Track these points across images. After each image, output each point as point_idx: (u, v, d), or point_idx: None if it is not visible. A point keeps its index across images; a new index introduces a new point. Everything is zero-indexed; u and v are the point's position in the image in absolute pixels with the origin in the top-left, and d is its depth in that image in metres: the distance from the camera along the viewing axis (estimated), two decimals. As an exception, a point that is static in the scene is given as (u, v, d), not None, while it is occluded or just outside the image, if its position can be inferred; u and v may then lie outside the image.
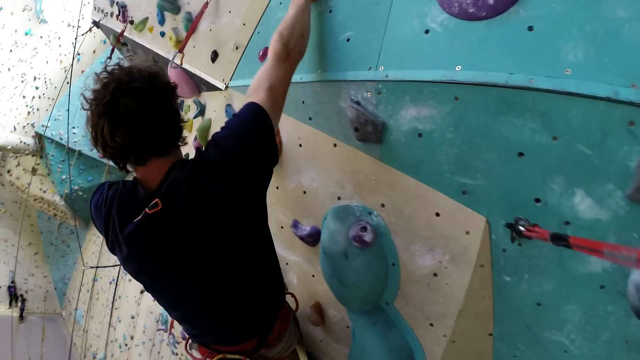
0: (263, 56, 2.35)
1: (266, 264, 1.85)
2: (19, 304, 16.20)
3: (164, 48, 3.74)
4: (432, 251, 1.63)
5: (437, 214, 1.56)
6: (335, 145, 1.90)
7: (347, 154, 1.83)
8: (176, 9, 3.41)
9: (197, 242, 1.53)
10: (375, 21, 1.57)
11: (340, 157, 1.91)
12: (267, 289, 1.90)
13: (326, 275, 2.12)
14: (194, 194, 1.47)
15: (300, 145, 2.16)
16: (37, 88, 11.55)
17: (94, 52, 10.58)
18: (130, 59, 2.05)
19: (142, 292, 8.33)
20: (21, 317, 15.74)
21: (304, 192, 2.25)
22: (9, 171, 14.71)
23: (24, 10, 11.79)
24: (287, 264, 2.64)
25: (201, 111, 3.31)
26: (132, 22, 4.27)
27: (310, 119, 1.99)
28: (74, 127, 11.57)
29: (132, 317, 8.91)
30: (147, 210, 1.47)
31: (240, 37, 2.66)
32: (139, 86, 1.42)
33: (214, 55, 2.92)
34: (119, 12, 4.54)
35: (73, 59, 7.75)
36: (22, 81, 11.59)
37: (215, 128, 2.91)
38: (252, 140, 1.53)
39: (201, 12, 2.97)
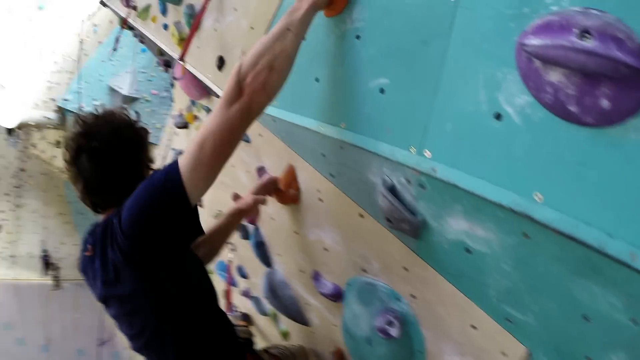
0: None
1: (192, 320, 1.62)
2: (53, 271, 16.60)
3: (167, 44, 3.28)
4: (463, 356, 1.35)
5: (474, 327, 1.24)
6: (361, 216, 1.47)
7: (375, 230, 1.40)
8: (177, 0, 2.96)
9: (113, 290, 1.56)
10: (422, 73, 1.08)
11: (367, 230, 1.48)
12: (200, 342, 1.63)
13: (348, 345, 1.86)
14: (103, 249, 1.51)
15: (321, 200, 1.74)
16: (55, 62, 11.37)
17: (110, 22, 10.25)
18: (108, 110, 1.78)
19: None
20: (56, 284, 16.14)
21: (325, 249, 1.86)
22: (33, 145, 14.91)
23: None
24: (307, 304, 2.37)
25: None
26: (135, 9, 3.82)
27: (332, 175, 1.56)
28: (94, 100, 11.47)
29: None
30: (85, 252, 1.63)
31: (247, 44, 2.20)
32: (97, 146, 1.57)
33: (220, 62, 2.47)
34: (121, -1, 4.10)
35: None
36: (39, 57, 11.40)
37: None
38: (145, 216, 1.39)
39: (203, 8, 2.50)
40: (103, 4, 5.19)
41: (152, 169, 1.77)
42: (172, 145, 5.29)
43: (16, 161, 16.13)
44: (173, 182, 1.32)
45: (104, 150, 1.57)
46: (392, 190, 1.15)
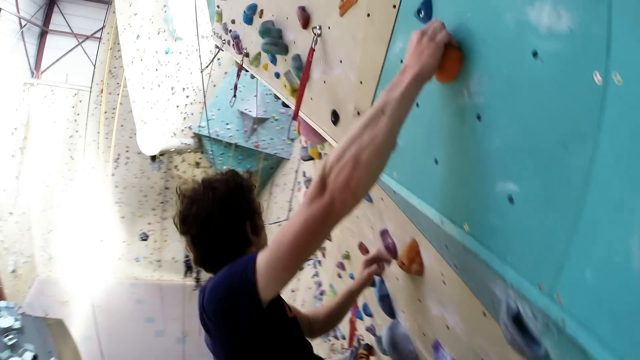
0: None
1: None
2: (194, 274, 18.48)
3: (281, 92, 3.29)
4: None
5: None
6: (484, 314, 1.25)
7: (497, 334, 1.17)
8: (283, 50, 2.91)
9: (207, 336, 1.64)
10: (560, 189, 0.80)
11: (489, 329, 1.27)
12: None
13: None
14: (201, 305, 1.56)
15: (444, 283, 1.54)
16: (187, 97, 12.47)
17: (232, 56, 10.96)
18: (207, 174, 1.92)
19: (301, 269, 8.63)
20: (197, 285, 17.86)
21: (447, 327, 1.69)
22: (176, 166, 16.70)
23: (159, 33, 12.87)
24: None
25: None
26: (247, 55, 3.90)
27: (456, 267, 1.36)
28: (227, 124, 12.37)
29: (292, 291, 9.34)
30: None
31: (360, 100, 2.07)
32: (199, 214, 1.70)
33: (335, 117, 2.37)
34: (233, 42, 4.22)
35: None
36: (173, 93, 12.58)
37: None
38: (220, 309, 1.47)
39: (308, 62, 2.42)
40: (219, 48, 5.45)
41: (259, 222, 1.85)
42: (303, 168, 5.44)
43: (161, 181, 18.39)
44: (247, 281, 1.34)
45: (206, 218, 1.68)
46: (516, 318, 0.92)
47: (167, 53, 12.57)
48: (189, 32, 11.75)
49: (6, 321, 14.52)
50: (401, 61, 1.67)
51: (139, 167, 17.96)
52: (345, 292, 2.20)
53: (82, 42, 18.29)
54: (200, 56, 7.51)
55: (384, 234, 2.17)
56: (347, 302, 2.21)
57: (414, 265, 1.78)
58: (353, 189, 1.07)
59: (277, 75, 3.26)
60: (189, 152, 14.03)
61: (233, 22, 4.29)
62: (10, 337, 14.14)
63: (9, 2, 14.17)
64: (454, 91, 1.20)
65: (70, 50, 18.35)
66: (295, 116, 2.54)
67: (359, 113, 2.09)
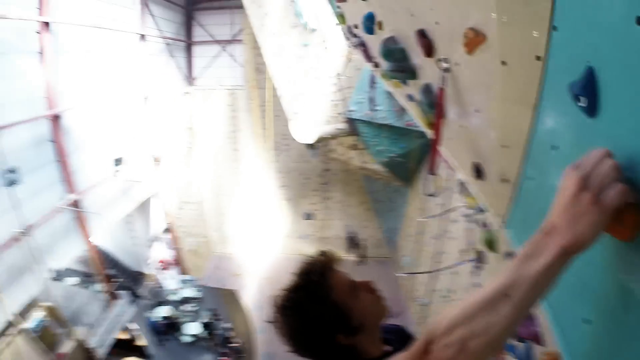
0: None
1: None
2: (360, 250, 19.41)
3: (416, 117, 2.88)
4: None
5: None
6: None
7: None
8: (410, 75, 2.52)
9: None
10: None
11: None
12: None
13: None
14: None
15: None
16: (334, 84, 12.48)
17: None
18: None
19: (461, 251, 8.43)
20: (361, 260, 18.77)
21: None
22: (333, 150, 17.14)
23: (293, 28, 13.04)
24: None
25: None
26: (377, 66, 3.55)
27: None
28: (376, 105, 12.14)
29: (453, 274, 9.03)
30: None
31: (505, 167, 1.63)
32: (291, 320, 1.50)
33: (477, 173, 1.95)
34: (360, 48, 3.88)
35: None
36: (318, 83, 12.72)
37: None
38: None
39: (439, 106, 2.02)
40: (350, 47, 5.14)
41: (353, 323, 1.50)
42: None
43: (320, 164, 19.13)
44: None
45: (293, 328, 1.51)
46: None
47: (305, 46, 12.69)
48: (321, 22, 11.70)
49: (188, 292, 17.23)
50: (553, 148, 1.22)
51: (298, 153, 19.08)
52: None
53: (224, 47, 19.70)
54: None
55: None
56: None
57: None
58: None
59: (411, 97, 2.87)
60: (344, 136, 14.15)
61: (356, 27, 3.92)
62: (192, 305, 16.73)
63: (150, 27, 15.88)
64: (626, 255, 0.86)
65: (216, 56, 19.89)
66: (432, 170, 2.16)
67: (503, 180, 1.65)
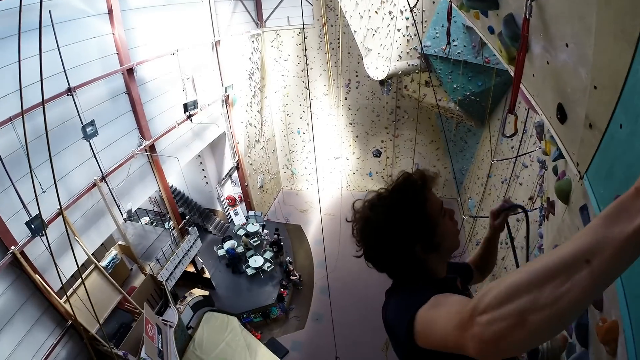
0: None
1: None
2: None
3: (496, 51, 2.64)
4: None
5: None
6: None
7: None
8: (492, 4, 2.29)
9: None
10: None
11: None
12: None
13: None
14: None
15: None
16: (407, 18, 11.77)
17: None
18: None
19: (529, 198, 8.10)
20: None
21: None
22: (405, 87, 16.56)
23: None
24: None
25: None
26: (457, -4, 3.26)
27: None
28: (453, 40, 11.45)
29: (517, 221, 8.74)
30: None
31: (593, 110, 1.46)
32: (373, 219, 1.54)
33: (561, 114, 1.77)
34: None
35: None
36: (392, 18, 12.04)
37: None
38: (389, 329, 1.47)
39: (524, 38, 1.81)
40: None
41: (434, 238, 1.55)
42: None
43: (392, 101, 18.65)
44: (405, 333, 1.24)
45: (378, 226, 1.52)
46: None
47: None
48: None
49: (254, 227, 17.97)
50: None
51: (370, 89, 18.63)
52: (484, 241, 2.31)
53: None
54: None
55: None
56: (489, 249, 2.32)
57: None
58: (502, 349, 0.78)
59: (491, 30, 2.63)
60: (417, 72, 13.56)
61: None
62: (255, 239, 17.45)
63: None
64: None
65: None
66: (512, 109, 2.00)
67: (591, 125, 1.47)
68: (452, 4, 3.40)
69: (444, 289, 1.28)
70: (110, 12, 10.13)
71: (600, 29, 1.28)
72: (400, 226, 1.49)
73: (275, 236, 17.95)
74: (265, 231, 18.56)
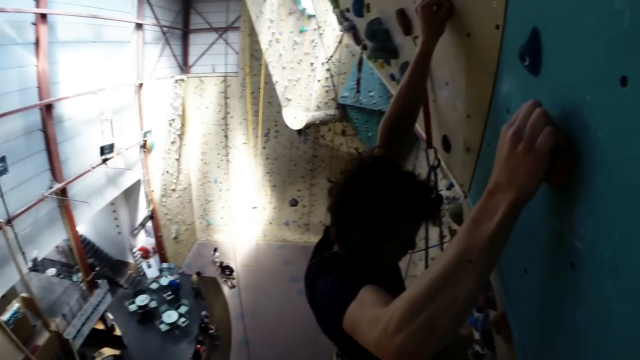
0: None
1: None
2: None
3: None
4: None
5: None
6: None
7: None
8: (392, 55, 2.58)
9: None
10: None
11: None
12: None
13: None
14: (313, 280, 1.53)
15: None
16: (327, 69, 12.50)
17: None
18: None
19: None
20: None
21: None
22: (322, 136, 17.28)
23: (290, 14, 13.13)
24: None
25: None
26: (365, 48, 3.61)
27: None
28: (370, 91, 12.21)
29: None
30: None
31: (468, 136, 1.72)
32: (348, 188, 1.48)
33: (446, 144, 2.04)
34: (351, 32, 3.94)
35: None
36: (312, 69, 12.74)
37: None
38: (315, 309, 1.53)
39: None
40: (343, 31, 5.19)
41: (400, 240, 1.51)
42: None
43: (309, 150, 19.26)
44: (335, 320, 1.24)
45: (352, 197, 1.46)
46: None
47: (302, 31, 12.74)
48: (318, 8, 11.67)
49: (167, 280, 17.23)
50: (507, 111, 1.29)
51: (288, 139, 19.18)
52: (418, 56, 1.70)
53: (221, 34, 19.52)
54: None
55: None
56: (421, 67, 1.73)
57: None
58: (422, 357, 0.87)
59: (393, 77, 2.95)
60: (334, 122, 14.23)
61: (348, 10, 3.99)
62: (169, 293, 16.68)
63: (148, 17, 15.76)
64: (558, 205, 0.89)
65: (213, 43, 19.69)
66: (429, 143, 2.24)
67: (468, 149, 1.73)
68: (363, 56, 3.74)
69: (377, 278, 1.27)
70: (37, 42, 9.67)
71: (469, 66, 1.55)
72: (390, 201, 1.42)
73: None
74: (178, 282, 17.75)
